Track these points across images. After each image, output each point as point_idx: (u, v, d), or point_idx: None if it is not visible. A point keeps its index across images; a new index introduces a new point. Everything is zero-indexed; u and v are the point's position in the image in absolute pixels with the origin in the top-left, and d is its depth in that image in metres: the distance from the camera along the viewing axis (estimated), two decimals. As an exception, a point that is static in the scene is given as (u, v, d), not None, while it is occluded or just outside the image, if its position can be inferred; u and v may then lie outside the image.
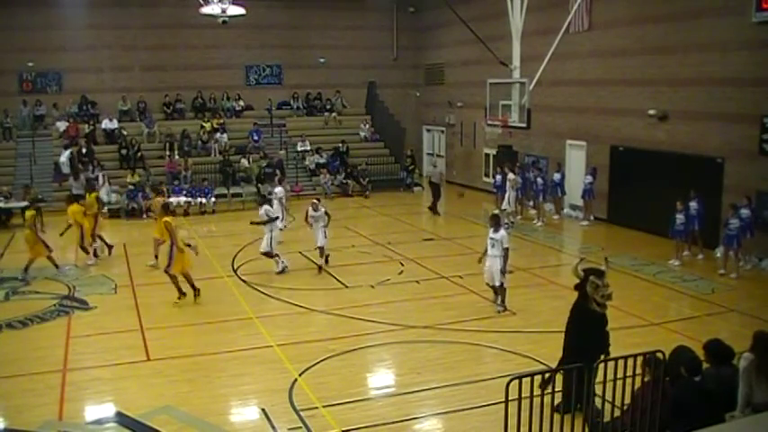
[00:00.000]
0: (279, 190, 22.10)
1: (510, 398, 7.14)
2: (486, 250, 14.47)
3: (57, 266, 18.35)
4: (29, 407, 10.45)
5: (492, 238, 14.20)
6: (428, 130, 37.08)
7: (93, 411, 10.48)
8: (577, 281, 9.48)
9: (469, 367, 11.76)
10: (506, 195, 23.68)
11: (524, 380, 7.24)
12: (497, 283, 14.39)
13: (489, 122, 25.32)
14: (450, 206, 27.61)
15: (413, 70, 37.05)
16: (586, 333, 9.25)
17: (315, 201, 18.59)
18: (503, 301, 14.54)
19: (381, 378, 11.98)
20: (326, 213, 18.12)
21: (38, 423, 9.87)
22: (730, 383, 7.88)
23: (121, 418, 10.05)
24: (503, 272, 14.22)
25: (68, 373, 11.73)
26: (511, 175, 23.70)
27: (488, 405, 9.93)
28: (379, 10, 35.77)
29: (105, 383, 11.40)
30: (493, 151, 29.39)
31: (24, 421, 9.95)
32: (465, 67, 32.03)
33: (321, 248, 18.09)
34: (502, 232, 14.24)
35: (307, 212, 18.37)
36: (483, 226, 24.48)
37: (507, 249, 14.17)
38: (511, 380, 7.25)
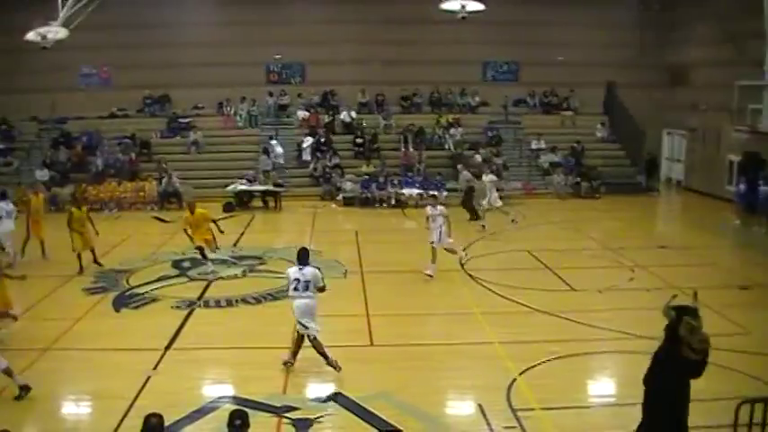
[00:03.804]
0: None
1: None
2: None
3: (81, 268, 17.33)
4: (256, 378, 11.00)
5: (297, 279, 11.39)
6: (668, 134, 35.09)
7: (314, 389, 10.87)
8: (666, 322, 7.74)
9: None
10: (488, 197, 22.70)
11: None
12: (307, 333, 11.41)
13: (737, 128, 23.50)
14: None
15: (655, 70, 34.99)
16: (676, 384, 7.71)
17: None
18: (330, 362, 11.29)
19: (602, 387, 11.51)
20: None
21: (263, 394, 10.34)
22: None
23: (341, 399, 10.30)
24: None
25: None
26: (490, 176, 23.35)
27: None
28: (622, 7, 34.28)
29: (328, 364, 11.70)
30: (737, 158, 27.33)
31: (250, 390, 10.48)
32: (711, 68, 29.86)
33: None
34: (309, 269, 11.42)
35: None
36: (718, 235, 22.97)
37: (323, 288, 11.53)
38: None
